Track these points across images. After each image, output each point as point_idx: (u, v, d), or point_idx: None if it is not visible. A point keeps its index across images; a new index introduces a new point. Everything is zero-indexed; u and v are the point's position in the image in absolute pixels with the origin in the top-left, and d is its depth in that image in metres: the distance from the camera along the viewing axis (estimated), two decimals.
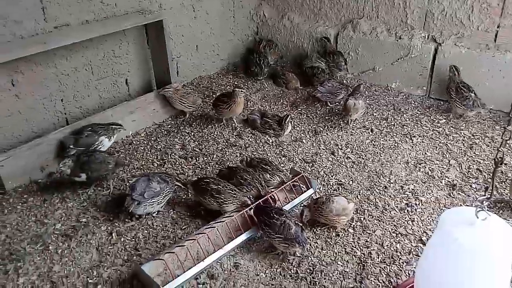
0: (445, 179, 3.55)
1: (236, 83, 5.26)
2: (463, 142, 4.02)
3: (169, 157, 3.89)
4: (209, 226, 2.95)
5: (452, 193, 3.39)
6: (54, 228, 3.08)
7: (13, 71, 3.53)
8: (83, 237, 3.00)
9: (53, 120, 3.94)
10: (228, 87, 5.16)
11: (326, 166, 3.76)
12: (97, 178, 3.41)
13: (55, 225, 3.11)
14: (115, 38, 4.19)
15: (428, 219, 3.15)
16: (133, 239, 2.99)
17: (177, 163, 3.82)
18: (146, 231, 3.06)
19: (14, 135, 3.69)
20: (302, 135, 4.22)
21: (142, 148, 4.02)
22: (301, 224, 2.83)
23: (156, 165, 3.79)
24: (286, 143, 4.09)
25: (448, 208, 3.21)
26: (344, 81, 5.01)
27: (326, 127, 4.33)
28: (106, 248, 2.92)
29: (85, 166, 3.33)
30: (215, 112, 4.37)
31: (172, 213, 3.24)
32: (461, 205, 3.28)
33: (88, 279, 2.69)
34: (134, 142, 4.11)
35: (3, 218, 3.16)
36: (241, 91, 4.26)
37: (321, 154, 3.91)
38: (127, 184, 3.40)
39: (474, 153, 3.86)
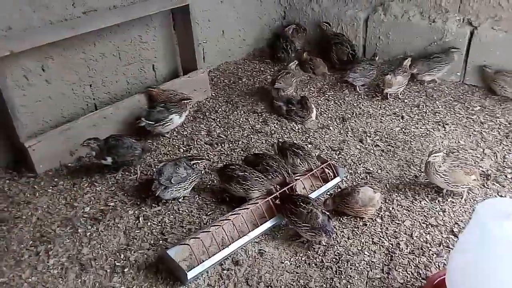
0: (479, 168, 3.41)
1: (262, 69, 5.19)
2: (499, 130, 3.85)
3: (195, 143, 3.89)
4: (234, 213, 2.94)
5: (486, 183, 3.26)
6: (83, 212, 3.14)
7: (43, 56, 3.59)
8: (111, 220, 3.05)
9: (82, 105, 4.00)
10: (255, 72, 5.11)
11: (353, 154, 3.67)
12: (123, 163, 3.45)
13: (84, 208, 3.17)
14: (142, 24, 4.19)
15: (460, 210, 3.04)
16: (160, 224, 3.02)
17: (202, 149, 3.81)
18: (172, 216, 3.09)
19: (44, 120, 3.77)
20: (329, 122, 4.14)
21: (168, 134, 4.04)
22: (328, 213, 2.78)
23: (182, 151, 3.80)
24: (312, 130, 4.02)
25: (482, 199, 3.11)
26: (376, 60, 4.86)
27: (354, 114, 4.23)
28: (133, 232, 2.96)
29: (112, 150, 3.37)
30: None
31: (197, 199, 3.25)
32: (495, 196, 3.16)
33: (115, 262, 2.74)
34: None
35: (34, 201, 3.25)
36: None
37: (348, 142, 3.83)
38: (154, 169, 3.42)
39: (510, 142, 3.69)
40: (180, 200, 3.20)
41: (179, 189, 3.11)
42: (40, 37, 3.34)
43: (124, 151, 3.40)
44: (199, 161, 3.26)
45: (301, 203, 2.77)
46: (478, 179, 3.13)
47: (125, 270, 2.68)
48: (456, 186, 3.03)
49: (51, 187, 3.41)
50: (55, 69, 3.70)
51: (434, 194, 3.17)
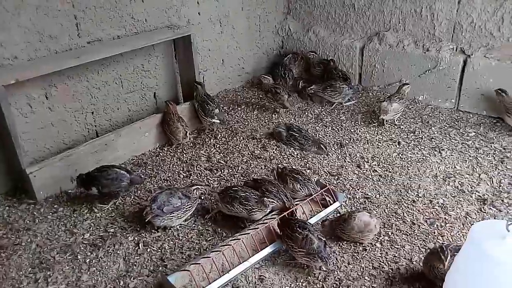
0: (475, 193, 3.45)
1: (260, 96, 5.29)
2: (494, 155, 3.91)
3: (195, 169, 3.93)
4: (234, 238, 2.95)
5: (483, 207, 3.29)
6: (83, 238, 3.14)
7: (47, 84, 3.67)
8: (110, 247, 3.05)
9: (83, 132, 4.05)
10: (253, 99, 5.20)
11: (352, 179, 3.71)
12: (108, 194, 3.44)
13: (83, 235, 3.18)
14: (144, 53, 4.30)
15: (458, 234, 3.06)
16: (159, 250, 3.02)
17: (202, 175, 3.85)
18: (172, 242, 3.09)
19: (46, 147, 3.81)
20: (327, 148, 4.19)
21: (168, 160, 4.08)
22: (324, 239, 2.79)
23: (182, 176, 3.83)
24: (310, 156, 4.07)
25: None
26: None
27: (351, 139, 4.30)
28: (132, 259, 2.95)
29: (95, 180, 3.39)
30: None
31: (197, 224, 3.26)
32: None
33: None
34: (161, 154, 4.18)
35: (34, 228, 3.25)
36: None
37: (346, 167, 3.88)
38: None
39: (506, 167, 3.74)
40: (179, 226, 3.21)
41: (172, 218, 3.12)
42: (45, 66, 3.42)
43: (108, 182, 3.39)
44: (198, 187, 3.32)
45: (297, 228, 2.79)
46: None
47: None
48: None
49: (51, 213, 3.41)
50: (58, 97, 3.77)
51: (432, 219, 3.20)
